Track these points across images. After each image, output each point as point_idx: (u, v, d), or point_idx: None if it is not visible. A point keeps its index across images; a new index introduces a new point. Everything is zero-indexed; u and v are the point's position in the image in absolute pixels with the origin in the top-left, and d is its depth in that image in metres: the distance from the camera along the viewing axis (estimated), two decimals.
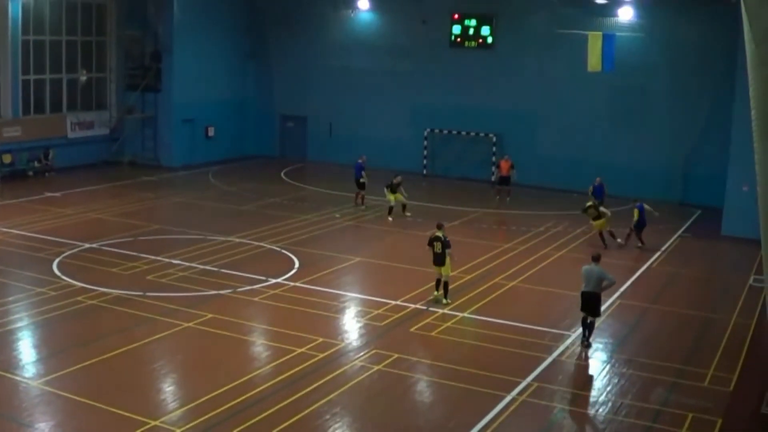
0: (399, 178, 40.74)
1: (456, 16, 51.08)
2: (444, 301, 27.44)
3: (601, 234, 35.95)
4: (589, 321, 24.52)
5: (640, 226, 36.29)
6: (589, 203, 36.54)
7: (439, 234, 27.36)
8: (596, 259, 24.72)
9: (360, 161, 43.21)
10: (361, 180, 42.77)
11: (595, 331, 24.77)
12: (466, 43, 51.16)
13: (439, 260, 27.42)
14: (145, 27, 53.81)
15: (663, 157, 46.53)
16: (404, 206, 40.74)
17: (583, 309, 24.49)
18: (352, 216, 40.64)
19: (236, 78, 57.52)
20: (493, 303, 28.18)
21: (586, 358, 23.95)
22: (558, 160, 48.58)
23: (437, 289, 27.70)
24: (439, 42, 51.56)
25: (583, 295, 24.42)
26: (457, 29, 51.25)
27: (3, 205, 41.46)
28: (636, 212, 36.32)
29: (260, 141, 58.16)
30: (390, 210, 40.29)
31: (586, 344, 24.56)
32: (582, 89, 47.70)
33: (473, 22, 50.77)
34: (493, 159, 49.32)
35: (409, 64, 52.86)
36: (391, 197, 40.31)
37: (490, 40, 50.54)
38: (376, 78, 53.89)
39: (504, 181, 44.57)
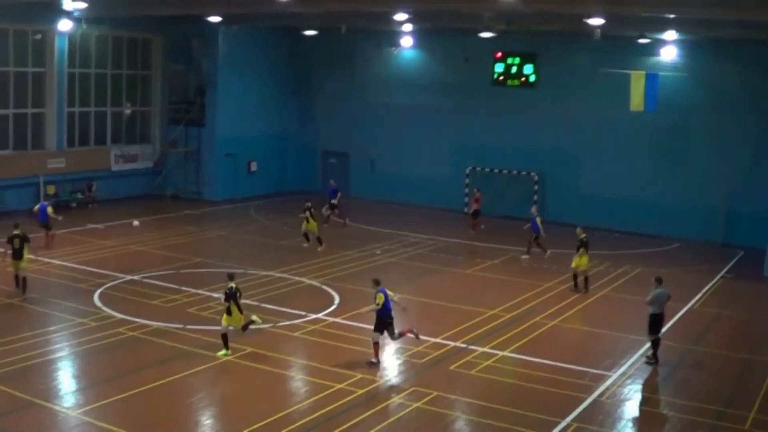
0: (309, 204, 40.83)
1: (499, 54, 51.17)
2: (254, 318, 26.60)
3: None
4: (655, 340, 25.83)
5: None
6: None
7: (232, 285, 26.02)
8: (660, 281, 26.28)
9: (332, 185, 47.37)
10: (333, 201, 46.69)
11: (635, 373, 24.70)
12: (509, 82, 51.21)
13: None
14: (189, 62, 54.26)
15: (705, 197, 46.21)
16: (318, 238, 41.08)
17: (654, 331, 25.92)
18: (393, 253, 40.56)
19: (279, 113, 57.81)
20: (534, 342, 28.01)
21: (627, 398, 23.77)
22: (600, 199, 48.32)
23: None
24: (482, 80, 51.66)
25: (656, 317, 26.02)
26: (499, 67, 51.34)
27: (46, 236, 41.73)
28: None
29: (302, 176, 58.32)
30: (308, 238, 41.01)
31: (654, 361, 25.82)
32: (624, 128, 47.54)
33: (516, 60, 50.85)
34: (534, 198, 49.24)
35: (451, 102, 52.90)
36: (307, 225, 40.86)
37: (532, 78, 50.58)
38: (418, 115, 53.99)
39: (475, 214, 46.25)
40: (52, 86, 49.23)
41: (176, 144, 55.13)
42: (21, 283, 31.32)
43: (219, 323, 28.13)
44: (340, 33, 49.14)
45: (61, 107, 49.61)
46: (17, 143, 48.31)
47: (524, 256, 40.01)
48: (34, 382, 22.93)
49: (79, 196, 50.15)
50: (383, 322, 25.30)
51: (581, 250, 34.22)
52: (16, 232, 31.61)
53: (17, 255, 31.27)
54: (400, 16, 41.69)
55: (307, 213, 40.29)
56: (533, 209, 41.61)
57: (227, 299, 25.46)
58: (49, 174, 48.51)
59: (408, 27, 48.10)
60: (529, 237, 40.35)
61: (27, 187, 47.03)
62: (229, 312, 25.41)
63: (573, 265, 34.74)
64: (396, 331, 25.43)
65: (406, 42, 52.65)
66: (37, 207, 39.89)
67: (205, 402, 22.79)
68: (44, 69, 49.10)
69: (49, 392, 22.48)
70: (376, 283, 25.83)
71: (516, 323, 29.85)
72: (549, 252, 40.28)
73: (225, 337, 25.58)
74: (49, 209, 39.42)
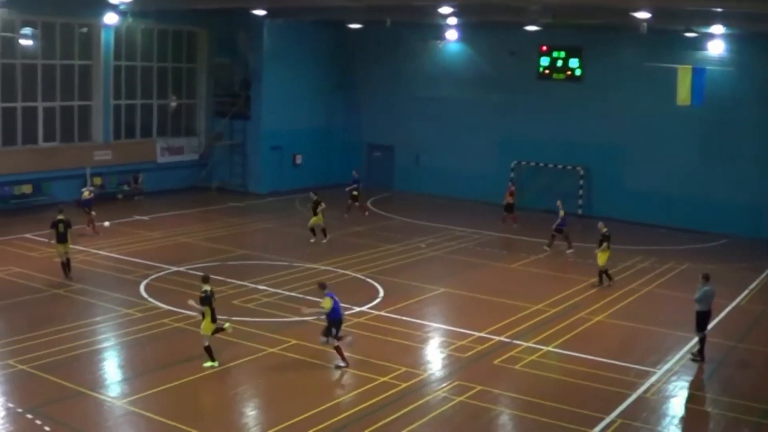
0: (315, 197, 40.31)
1: (544, 48, 50.89)
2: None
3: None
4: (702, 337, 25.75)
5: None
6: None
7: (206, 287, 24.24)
8: (708, 278, 25.99)
9: (354, 175, 47.75)
10: (354, 193, 46.77)
11: (680, 370, 24.72)
12: (555, 75, 50.92)
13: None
14: (235, 55, 54.43)
15: (753, 193, 45.72)
16: (324, 230, 40.68)
17: (702, 328, 25.81)
18: (437, 246, 40.50)
19: (324, 107, 57.87)
20: (578, 337, 27.85)
21: (672, 395, 23.62)
22: (646, 194, 47.97)
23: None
24: (527, 74, 51.39)
25: (703, 314, 25.87)
26: (545, 61, 51.07)
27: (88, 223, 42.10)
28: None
29: (347, 169, 58.12)
30: (313, 231, 40.54)
31: (700, 359, 25.67)
32: (671, 123, 47.12)
33: (562, 54, 50.55)
34: (580, 192, 49.03)
35: (496, 96, 52.71)
36: (313, 219, 40.41)
37: (578, 72, 50.25)
38: (463, 109, 53.87)
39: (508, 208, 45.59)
40: (99, 79, 49.57)
41: (221, 137, 55.34)
42: (66, 265, 32.26)
43: (264, 315, 28.35)
44: (385, 26, 49.08)
45: (107, 100, 49.95)
46: (64, 135, 48.71)
47: (569, 251, 39.82)
48: (81, 372, 23.15)
49: (125, 188, 50.49)
50: (337, 325, 24.43)
51: (604, 245, 33.93)
52: (60, 216, 32.45)
53: (62, 238, 32.09)
54: (445, 10, 41.61)
55: (318, 207, 39.94)
56: (558, 202, 41.29)
57: (203, 303, 23.55)
58: (96, 166, 48.88)
59: (453, 20, 47.97)
60: (566, 231, 40.15)
61: (73, 178, 47.35)
62: (205, 317, 23.57)
63: (599, 262, 34.48)
64: (340, 337, 24.55)
65: (451, 35, 52.48)
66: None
67: (249, 393, 22.91)
68: (90, 62, 49.45)
69: (96, 382, 22.70)
70: (322, 287, 24.80)
71: (561, 318, 29.70)
72: (548, 248, 40.38)
73: (209, 348, 23.77)
74: (86, 192, 40.45)
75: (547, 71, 51.11)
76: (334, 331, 24.18)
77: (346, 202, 47.08)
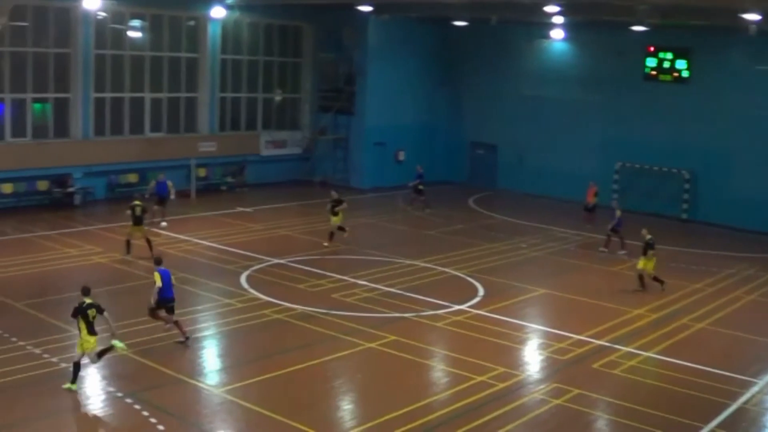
0: (336, 195, 39.00)
1: (651, 48, 50.06)
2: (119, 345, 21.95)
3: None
4: None
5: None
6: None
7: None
8: None
9: (419, 170, 47.99)
10: (420, 187, 47.21)
11: None
12: (661, 77, 50.07)
13: None
14: (340, 50, 54.65)
15: None
16: (332, 233, 38.31)
17: None
18: (538, 247, 40.20)
19: (428, 103, 57.77)
20: (679, 344, 27.35)
21: None
22: (753, 200, 46.84)
23: None
24: (633, 74, 50.62)
25: None
26: (651, 62, 50.25)
27: (196, 217, 42.65)
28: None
29: (450, 167, 58.24)
30: (331, 235, 38.27)
31: None
32: None
33: (669, 56, 49.65)
34: (685, 196, 48.30)
35: (601, 96, 52.08)
36: (333, 219, 38.52)
37: (685, 74, 49.30)
38: (567, 108, 53.38)
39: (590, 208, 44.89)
40: (205, 72, 50.23)
41: (325, 131, 55.63)
42: (148, 245, 33.87)
43: (362, 310, 28.40)
44: (490, 24, 48.91)
45: (213, 92, 50.60)
46: (170, 126, 49.48)
47: (621, 252, 39.10)
48: (181, 359, 23.50)
49: (229, 179, 51.01)
50: (164, 304, 24.54)
51: (649, 252, 33.14)
52: (137, 202, 34.28)
53: (138, 221, 33.93)
54: (551, 8, 41.33)
55: (338, 206, 38.40)
56: (614, 202, 40.55)
57: (74, 315, 21.24)
58: (200, 157, 49.47)
59: (559, 19, 47.66)
60: (619, 234, 39.48)
61: (179, 169, 48.00)
62: (82, 334, 21.16)
63: (639, 266, 33.39)
64: (175, 319, 24.71)
65: (557, 34, 52.09)
66: (157, 182, 41.02)
67: (346, 387, 22.96)
68: (197, 55, 50.15)
69: (195, 369, 23.01)
70: (157, 262, 25.23)
71: (662, 324, 29.23)
72: (605, 250, 39.76)
73: (77, 366, 21.20)
74: (170, 183, 40.66)
75: (653, 72, 50.28)
76: (153, 304, 24.44)
77: (410, 195, 47.89)
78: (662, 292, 32.88)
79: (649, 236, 33.35)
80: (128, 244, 34.12)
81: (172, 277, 24.99)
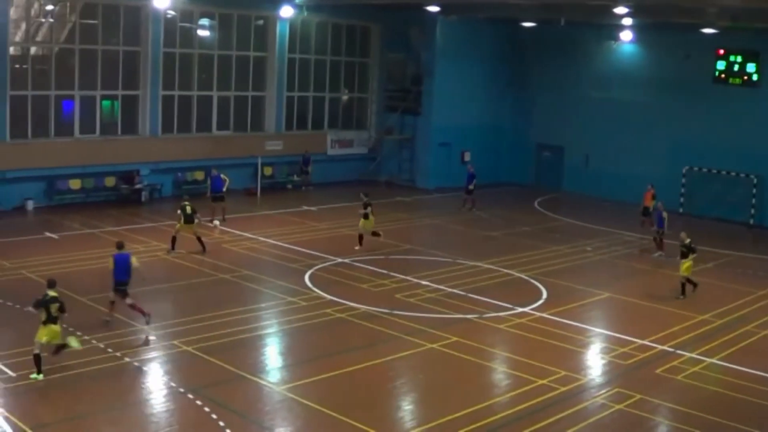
0: (367, 198, 37.52)
1: (721, 51, 49.42)
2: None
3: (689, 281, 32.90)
4: None
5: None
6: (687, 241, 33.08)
7: None
8: None
9: (470, 170, 47.87)
10: (471, 187, 47.13)
11: None
12: (731, 80, 49.37)
13: None
14: (407, 50, 54.72)
15: None
16: (376, 233, 37.54)
17: None
18: (604, 250, 39.88)
19: (494, 104, 57.60)
20: (744, 351, 26.90)
21: None
22: None
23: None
24: (702, 77, 49.96)
25: None
26: (721, 65, 49.58)
27: (262, 215, 42.89)
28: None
29: (515, 168, 58.04)
30: (360, 238, 37.07)
31: None
32: None
33: (739, 58, 49.02)
34: (753, 201, 47.66)
35: (669, 99, 51.52)
36: (361, 223, 37.35)
37: (755, 77, 48.66)
38: (634, 111, 52.87)
39: (645, 211, 43.67)
40: (273, 71, 50.52)
41: (392, 131, 55.70)
42: (198, 241, 34.50)
43: (425, 310, 28.36)
44: (559, 25, 48.70)
45: (280, 91, 50.89)
46: (237, 124, 49.80)
47: (656, 254, 38.69)
48: (243, 356, 23.60)
49: (295, 178, 51.22)
50: (115, 286, 25.32)
51: (691, 256, 32.30)
52: (186, 202, 34.72)
53: (188, 219, 34.43)
54: (620, 10, 41.04)
55: (368, 209, 37.10)
56: (659, 204, 40.06)
57: (36, 306, 21.43)
58: (267, 156, 49.71)
59: (628, 21, 47.30)
60: (654, 234, 39.04)
61: (245, 167, 48.39)
62: (45, 323, 21.31)
63: (681, 272, 32.51)
64: (130, 301, 25.24)
65: (626, 36, 51.67)
66: (211, 178, 41.19)
67: (407, 387, 22.92)
68: (265, 54, 50.42)
69: (257, 367, 23.14)
70: (118, 246, 25.78)
71: (726, 330, 28.81)
72: (662, 253, 38.97)
73: (37, 358, 21.16)
74: (224, 176, 40.75)
75: (723, 75, 49.63)
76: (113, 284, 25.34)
77: (462, 196, 47.81)
78: (685, 297, 32.13)
79: (688, 240, 32.68)
80: (174, 240, 34.43)
81: (134, 258, 25.64)
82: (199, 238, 34.52)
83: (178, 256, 33.76)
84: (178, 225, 34.54)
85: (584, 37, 54.25)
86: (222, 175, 40.58)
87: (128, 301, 25.23)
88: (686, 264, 32.26)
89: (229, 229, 39.00)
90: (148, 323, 25.17)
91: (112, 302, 25.54)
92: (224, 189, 40.30)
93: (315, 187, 50.89)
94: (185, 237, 34.57)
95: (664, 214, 38.65)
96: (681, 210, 49.76)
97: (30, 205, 41.61)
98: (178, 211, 34.75)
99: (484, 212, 47.02)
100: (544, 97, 57.16)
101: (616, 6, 40.06)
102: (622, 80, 53.59)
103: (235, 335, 25.00)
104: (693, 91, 50.48)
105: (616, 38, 52.38)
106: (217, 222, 39.77)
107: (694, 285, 32.57)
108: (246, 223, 40.72)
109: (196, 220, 34.77)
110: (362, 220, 37.12)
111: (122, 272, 25.19)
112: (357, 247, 36.63)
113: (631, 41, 52.41)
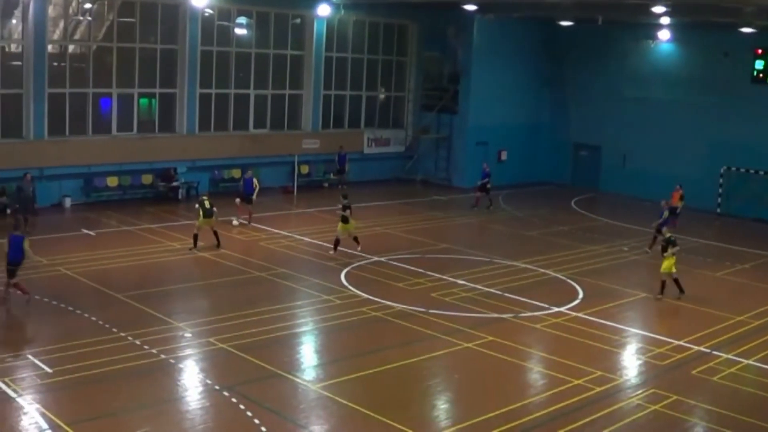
0: (346, 201, 35.57)
1: (759, 51, 49.02)
2: None
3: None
4: None
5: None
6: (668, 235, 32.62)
7: None
8: None
9: (485, 169, 47.66)
10: (488, 186, 46.88)
11: None
12: None
13: None
14: (444, 49, 54.70)
15: None
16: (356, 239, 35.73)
17: None
18: (640, 250, 39.64)
19: (531, 103, 57.53)
20: None
21: None
22: None
23: None
24: (741, 77, 49.63)
25: None
26: (759, 64, 49.13)
27: (298, 213, 43.02)
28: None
29: (552, 168, 57.87)
30: (337, 242, 35.36)
31: None
32: None
33: None
34: None
35: (707, 99, 51.19)
36: (340, 227, 35.53)
37: None
38: (672, 110, 52.58)
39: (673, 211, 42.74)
40: (310, 69, 50.63)
41: (428, 130, 55.69)
42: (214, 235, 34.71)
43: (461, 309, 28.35)
44: (596, 24, 48.50)
45: (317, 90, 51.01)
46: (274, 123, 49.96)
47: (648, 250, 38.44)
48: (279, 354, 23.63)
49: (331, 176, 51.28)
50: (7, 265, 26.61)
51: (670, 249, 31.40)
52: (204, 197, 35.24)
53: (208, 213, 34.41)
54: (658, 9, 40.85)
55: (347, 212, 35.27)
56: (663, 202, 39.52)
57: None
58: (303, 154, 49.79)
59: (666, 20, 47.06)
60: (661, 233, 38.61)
61: (281, 165, 48.54)
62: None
63: (662, 269, 31.74)
64: (14, 281, 26.56)
65: (664, 35, 51.39)
66: (244, 179, 41.32)
67: (442, 387, 22.89)
68: (302, 52, 50.57)
69: (292, 364, 23.13)
70: (15, 228, 28.13)
71: (764, 331, 28.52)
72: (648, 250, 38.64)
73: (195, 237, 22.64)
74: (256, 181, 40.73)
75: (761, 75, 49.24)
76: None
77: (475, 194, 47.58)
78: (680, 298, 31.58)
79: (668, 234, 32.26)
80: (195, 238, 34.48)
81: (26, 243, 26.82)
82: (215, 233, 34.70)
83: (216, 254, 33.89)
84: (198, 221, 34.51)
85: (622, 36, 54.03)
86: (255, 180, 40.62)
87: (14, 280, 26.52)
88: (667, 260, 31.49)
89: (265, 227, 39.11)
90: (28, 302, 26.33)
91: (15, 283, 26.68)
92: (254, 195, 40.20)
93: (351, 186, 50.85)
94: (208, 231, 34.78)
95: (666, 213, 38.39)
96: (719, 210, 49.52)
97: (67, 202, 41.90)
98: (197, 206, 34.87)
99: (486, 208, 47.20)
100: (581, 96, 56.96)
101: (653, 5, 39.88)
102: (659, 80, 53.31)
103: (270, 333, 25.07)
104: (731, 91, 50.14)
105: (654, 37, 52.12)
106: (235, 221, 39.64)
107: (681, 290, 31.68)
108: (282, 221, 40.88)
109: (215, 215, 34.79)
110: (341, 223, 35.39)
111: (16, 251, 26.54)
112: (331, 252, 34.96)
113: (668, 40, 52.12)
